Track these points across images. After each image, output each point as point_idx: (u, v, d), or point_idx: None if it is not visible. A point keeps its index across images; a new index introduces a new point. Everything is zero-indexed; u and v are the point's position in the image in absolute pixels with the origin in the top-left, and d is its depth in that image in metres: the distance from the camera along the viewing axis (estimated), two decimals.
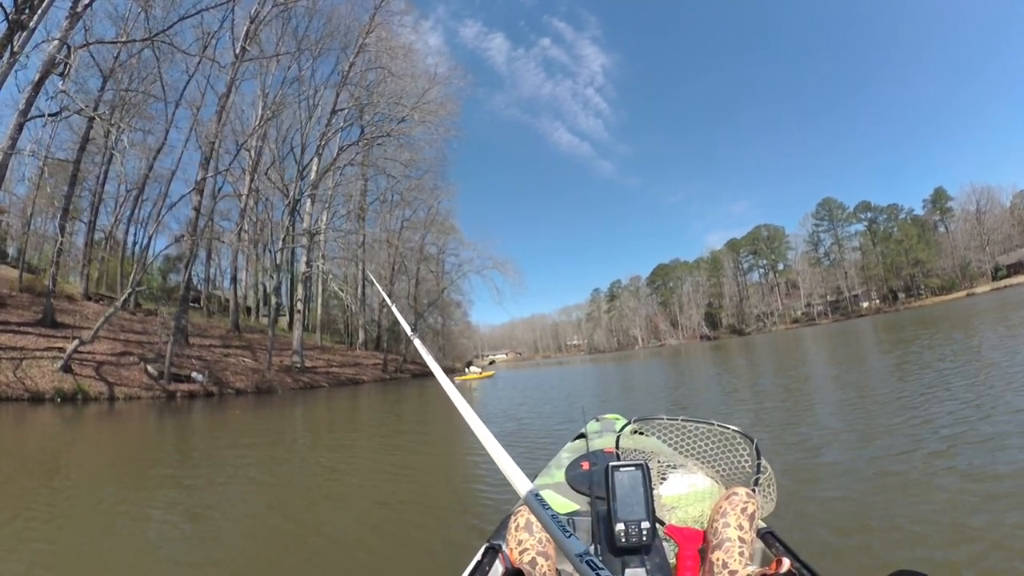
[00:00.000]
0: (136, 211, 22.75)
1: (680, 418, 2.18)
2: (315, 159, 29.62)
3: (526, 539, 1.51)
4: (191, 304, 32.34)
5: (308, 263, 28.89)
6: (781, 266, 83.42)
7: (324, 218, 32.81)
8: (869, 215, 75.75)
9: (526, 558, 1.41)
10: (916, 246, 69.07)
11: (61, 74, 14.41)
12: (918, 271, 69.47)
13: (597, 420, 3.56)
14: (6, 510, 4.10)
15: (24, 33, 12.70)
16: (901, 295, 71.13)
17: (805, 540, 2.47)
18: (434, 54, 43.83)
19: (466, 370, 36.76)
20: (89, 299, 20.58)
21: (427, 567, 2.73)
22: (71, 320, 16.81)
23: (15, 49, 12.46)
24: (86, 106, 16.99)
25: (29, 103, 14.46)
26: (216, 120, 24.32)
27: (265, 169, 27.44)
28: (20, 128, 14.41)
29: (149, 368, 16.60)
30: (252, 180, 27.74)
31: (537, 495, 0.23)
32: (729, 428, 1.97)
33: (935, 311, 37.42)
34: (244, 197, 28.54)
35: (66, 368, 13.76)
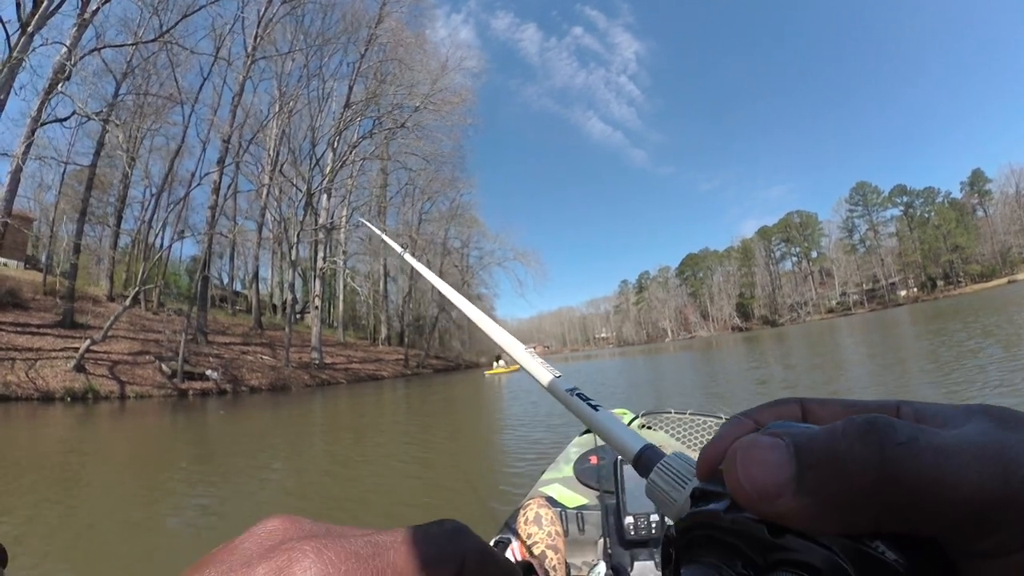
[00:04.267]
0: (157, 213, 23.37)
1: (688, 412, 2.27)
2: (329, 153, 29.76)
3: (535, 532, 1.54)
4: (219, 303, 33.13)
5: (324, 259, 29.09)
6: (814, 254, 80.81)
7: (344, 213, 33.03)
8: (905, 199, 72.83)
9: (536, 551, 1.42)
10: (954, 231, 66.29)
11: (67, 79, 14.72)
12: (957, 257, 66.61)
13: None
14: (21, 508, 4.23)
15: (23, 38, 12.95)
16: (940, 283, 68.31)
17: None
18: (463, 46, 43.81)
19: (494, 364, 36.72)
20: (112, 300, 21.13)
21: None
22: (91, 321, 17.17)
23: (13, 53, 12.67)
24: (100, 111, 17.38)
25: (41, 109, 14.84)
26: (230, 119, 24.70)
27: (281, 165, 27.70)
28: (33, 134, 14.79)
29: (163, 366, 16.83)
30: (272, 177, 28.07)
31: (575, 391, 0.23)
32: None
33: (977, 299, 35.48)
34: (264, 195, 28.92)
35: (79, 368, 14.01)
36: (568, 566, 1.53)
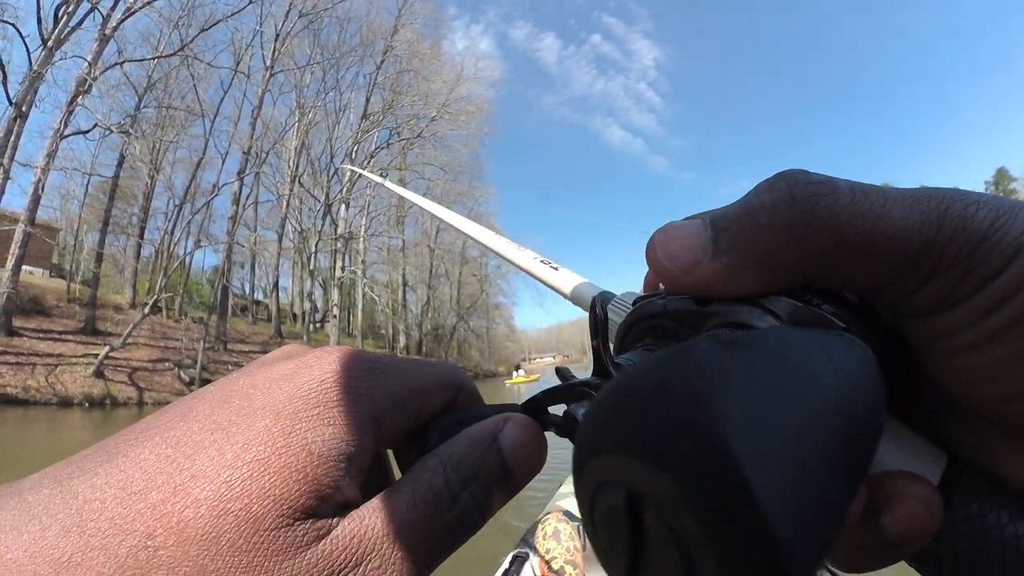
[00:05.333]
0: (180, 223, 23.95)
1: None
2: (347, 162, 30.08)
3: (554, 547, 1.53)
4: (240, 312, 33.63)
5: (343, 268, 29.32)
6: None
7: (363, 223, 33.33)
8: None
9: (555, 566, 1.43)
10: None
11: (88, 92, 15.13)
12: None
13: None
14: None
15: (44, 52, 13.35)
16: None
17: None
18: (482, 57, 44.20)
19: (514, 373, 36.57)
20: (135, 308, 21.52)
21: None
22: (113, 328, 17.42)
23: (34, 68, 13.06)
24: (121, 123, 17.86)
25: (64, 122, 15.26)
26: (250, 131, 25.19)
27: (300, 176, 28.15)
28: (55, 146, 15.20)
29: (182, 374, 17.03)
30: (291, 188, 28.51)
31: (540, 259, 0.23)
32: None
33: None
34: (283, 205, 29.37)
35: (98, 374, 14.23)
36: None
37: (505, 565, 1.66)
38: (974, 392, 0.14)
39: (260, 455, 0.15)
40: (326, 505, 0.16)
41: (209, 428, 0.16)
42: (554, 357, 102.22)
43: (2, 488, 0.16)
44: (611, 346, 0.17)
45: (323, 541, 0.15)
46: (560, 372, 0.19)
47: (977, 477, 0.15)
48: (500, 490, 0.18)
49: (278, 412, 0.16)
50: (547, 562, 1.48)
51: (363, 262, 33.58)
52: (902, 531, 0.13)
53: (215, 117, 24.04)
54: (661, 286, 0.17)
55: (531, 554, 1.66)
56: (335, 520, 0.16)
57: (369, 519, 0.16)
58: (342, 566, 0.15)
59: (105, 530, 0.14)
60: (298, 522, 0.15)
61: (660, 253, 0.16)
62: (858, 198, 0.14)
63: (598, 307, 0.21)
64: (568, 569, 1.44)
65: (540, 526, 1.66)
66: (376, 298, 31.44)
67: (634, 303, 0.19)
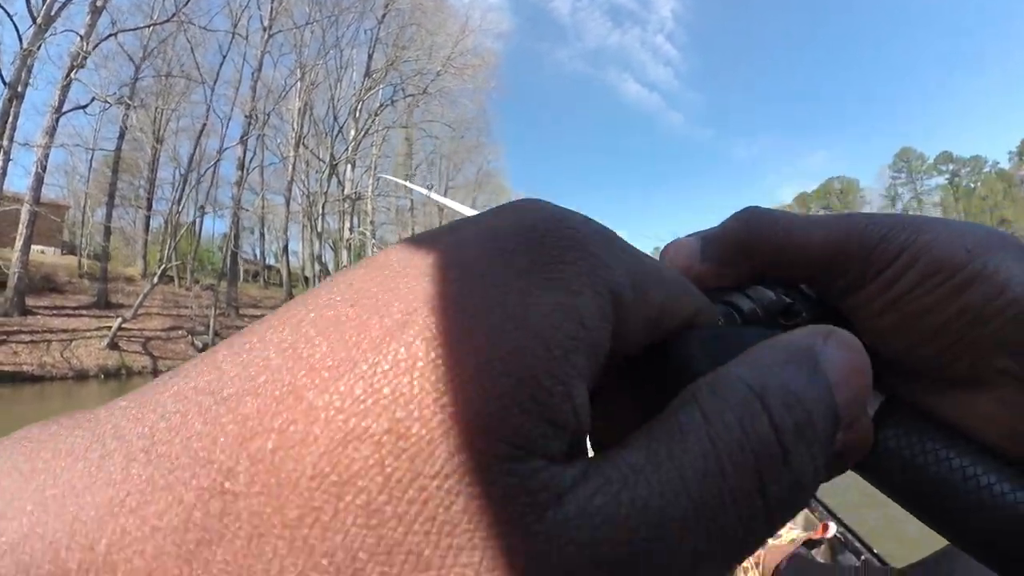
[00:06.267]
0: (187, 192, 24.14)
1: None
2: (351, 122, 29.78)
3: None
4: (252, 278, 34.31)
5: (351, 229, 29.51)
6: None
7: (370, 184, 33.29)
8: (951, 167, 68.20)
9: None
10: (1001, 202, 62.39)
11: (82, 66, 15.13)
12: (1004, 230, 63.18)
13: None
14: None
15: (35, 30, 13.33)
16: None
17: (843, 503, 2.26)
18: (490, 9, 42.62)
19: None
20: (146, 279, 22.21)
21: None
22: (125, 300, 17.83)
23: (25, 46, 13.09)
24: (120, 95, 17.87)
25: (62, 98, 15.33)
26: (251, 94, 25.01)
27: (304, 138, 28.02)
28: (55, 123, 15.36)
29: (195, 341, 17.45)
30: (297, 150, 28.47)
31: None
32: None
33: None
34: (289, 168, 29.42)
35: (112, 345, 14.73)
36: None
37: None
38: (887, 346, 0.19)
39: (444, 342, 0.09)
40: (561, 439, 0.10)
41: (351, 300, 0.11)
42: None
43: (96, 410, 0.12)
44: None
45: (565, 505, 0.09)
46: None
47: (909, 412, 0.19)
48: (843, 451, 0.13)
49: (467, 270, 0.10)
50: None
51: (371, 223, 33.69)
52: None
53: (215, 83, 23.90)
54: None
55: None
56: (579, 467, 0.10)
57: (642, 484, 0.10)
58: (603, 560, 0.09)
59: (176, 457, 0.10)
60: (520, 463, 0.09)
61: (669, 260, 0.22)
62: (791, 223, 0.21)
63: None
64: None
65: None
66: None
67: None
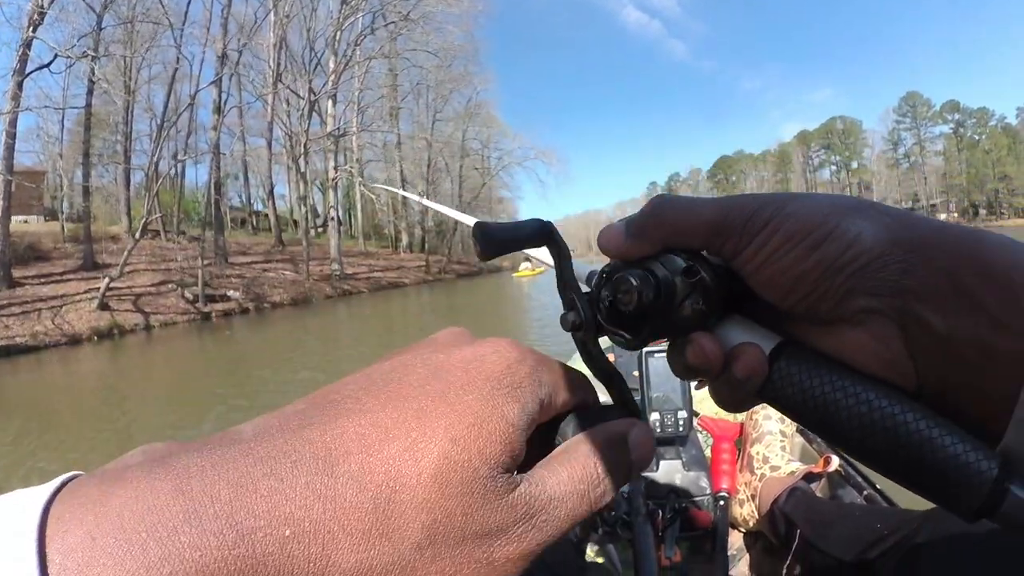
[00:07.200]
0: (163, 142, 23.50)
1: None
2: (329, 54, 28.66)
3: None
4: (240, 224, 34.37)
5: (336, 168, 29.17)
6: (855, 164, 75.21)
7: (354, 120, 32.51)
8: (956, 117, 66.73)
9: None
10: (1005, 158, 61.64)
11: (40, 23, 14.58)
12: (1004, 187, 62.67)
13: None
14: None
15: None
16: (982, 211, 64.60)
17: None
18: None
19: (521, 266, 37.27)
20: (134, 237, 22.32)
21: None
22: (113, 260, 17.53)
23: None
24: (83, 50, 17.20)
25: (24, 60, 14.76)
26: (222, 33, 23.94)
27: (280, 74, 27.04)
28: (20, 86, 14.89)
29: (185, 293, 17.45)
30: (275, 89, 27.61)
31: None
32: None
33: (1018, 234, 33.09)
34: (269, 108, 28.70)
35: (103, 306, 14.68)
36: None
37: None
38: (771, 296, 0.26)
39: (473, 421, 0.20)
40: (514, 464, 0.21)
41: (429, 396, 0.21)
42: None
43: (217, 443, 0.19)
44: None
45: (513, 493, 0.20)
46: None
47: (797, 348, 0.26)
48: (624, 480, 0.25)
49: (479, 389, 0.21)
50: None
51: (358, 160, 33.17)
52: (742, 375, 0.26)
53: (184, 24, 22.78)
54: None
55: None
56: (519, 477, 0.21)
57: (543, 484, 0.21)
58: (523, 516, 0.20)
59: (354, 471, 0.18)
60: (499, 475, 0.20)
61: (601, 240, 0.30)
62: (689, 204, 0.28)
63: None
64: None
65: None
66: (374, 197, 31.54)
67: (602, 269, 0.31)
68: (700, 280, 0.27)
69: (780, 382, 0.26)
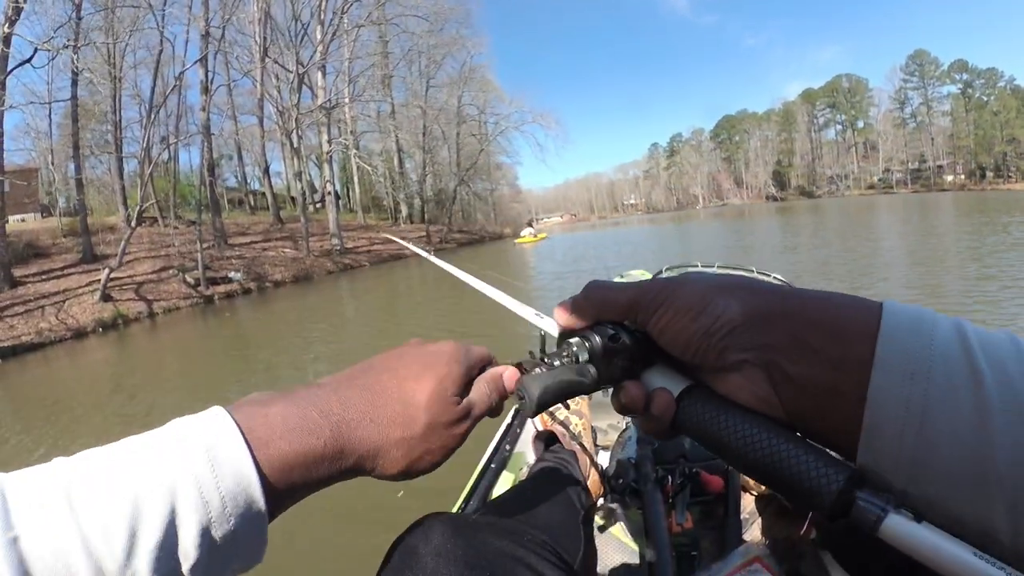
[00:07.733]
0: (153, 127, 23.11)
1: (716, 265, 2.29)
2: (316, 24, 28.00)
3: None
4: (238, 205, 34.24)
5: (330, 141, 28.90)
6: (860, 124, 72.50)
7: (346, 91, 31.97)
8: (965, 77, 63.78)
9: (559, 416, 1.44)
10: (1013, 120, 59.29)
11: (16, 19, 14.33)
12: (1012, 150, 60.08)
13: (622, 276, 3.18)
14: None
15: None
16: (989, 174, 62.17)
17: None
18: None
19: (524, 231, 37.24)
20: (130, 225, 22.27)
21: None
22: (112, 251, 17.28)
23: None
24: (64, 41, 16.90)
25: (3, 58, 14.32)
26: (204, 11, 23.45)
27: (268, 49, 26.52)
28: (3, 84, 14.34)
29: (186, 277, 17.57)
30: (263, 65, 27.15)
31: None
32: (770, 276, 2.02)
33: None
34: (259, 85, 28.28)
35: (105, 297, 14.75)
36: (594, 431, 1.58)
37: (508, 420, 1.74)
38: (674, 352, 0.34)
39: (444, 374, 0.40)
40: (461, 392, 0.41)
41: (420, 365, 0.41)
42: (561, 217, 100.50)
43: (312, 386, 0.38)
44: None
45: (462, 403, 0.40)
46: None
47: (700, 390, 0.34)
48: (501, 400, 0.44)
49: (441, 360, 0.41)
50: (551, 413, 1.45)
51: (352, 132, 32.78)
52: (657, 413, 0.34)
53: (164, 4, 22.28)
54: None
55: None
56: (461, 399, 0.40)
57: (470, 398, 0.41)
58: (464, 411, 0.40)
59: (393, 395, 0.38)
60: (455, 396, 0.40)
61: (557, 316, 0.40)
62: (611, 289, 0.37)
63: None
64: (574, 419, 1.42)
65: None
66: (371, 169, 31.27)
67: (559, 332, 0.41)
68: (621, 343, 0.36)
69: (685, 418, 0.34)
